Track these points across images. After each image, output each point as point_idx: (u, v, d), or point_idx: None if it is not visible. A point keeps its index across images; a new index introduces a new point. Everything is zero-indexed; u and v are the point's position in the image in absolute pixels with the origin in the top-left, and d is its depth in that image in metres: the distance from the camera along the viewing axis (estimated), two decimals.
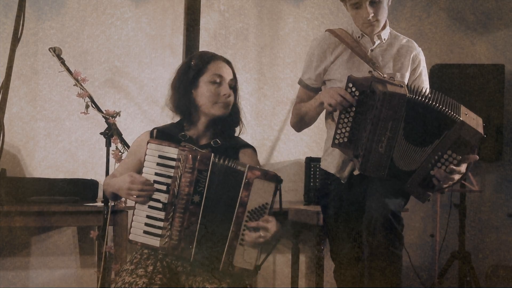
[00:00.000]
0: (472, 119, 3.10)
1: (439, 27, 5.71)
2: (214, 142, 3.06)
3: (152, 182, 2.85)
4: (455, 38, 5.72)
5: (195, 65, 3.10)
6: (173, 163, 2.82)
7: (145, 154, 2.87)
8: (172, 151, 2.84)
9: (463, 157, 3.06)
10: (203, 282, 2.80)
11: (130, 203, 3.11)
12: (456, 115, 3.04)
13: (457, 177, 3.09)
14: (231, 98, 3.08)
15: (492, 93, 5.17)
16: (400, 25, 5.49)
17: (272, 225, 2.81)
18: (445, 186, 3.13)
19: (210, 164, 2.81)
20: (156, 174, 2.84)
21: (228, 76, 3.10)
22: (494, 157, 5.18)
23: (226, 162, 2.83)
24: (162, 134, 3.07)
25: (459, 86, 5.12)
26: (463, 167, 3.09)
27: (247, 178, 2.79)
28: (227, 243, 2.81)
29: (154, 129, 3.13)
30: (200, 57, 3.15)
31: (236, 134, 3.20)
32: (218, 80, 3.06)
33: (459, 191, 5.19)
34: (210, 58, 3.13)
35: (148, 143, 2.88)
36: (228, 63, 3.15)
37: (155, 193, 2.84)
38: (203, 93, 3.06)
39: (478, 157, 3.10)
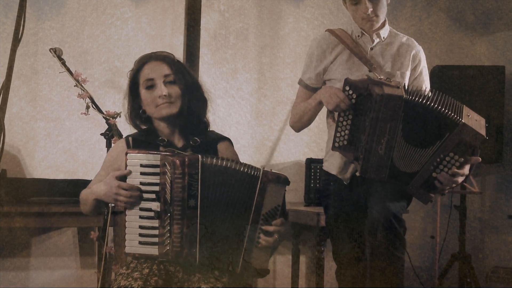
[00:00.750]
0: (475, 121, 3.09)
1: (439, 27, 5.71)
2: (193, 141, 3.01)
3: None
4: (455, 38, 5.72)
5: (132, 76, 3.03)
6: (157, 170, 2.78)
7: (126, 165, 2.80)
8: (154, 158, 2.79)
9: (465, 159, 3.07)
10: (199, 282, 2.79)
11: None
12: (457, 117, 3.04)
13: (460, 179, 3.10)
14: (172, 96, 2.96)
15: (492, 94, 5.17)
16: (400, 25, 5.49)
17: (284, 226, 2.84)
18: (447, 188, 3.14)
19: (200, 166, 2.77)
20: (142, 183, 2.80)
21: (160, 74, 2.97)
22: (494, 158, 5.18)
23: (216, 161, 2.79)
24: (138, 142, 3.02)
25: (459, 87, 5.13)
26: (466, 169, 3.11)
27: (262, 182, 2.79)
28: (244, 247, 2.81)
29: (128, 137, 3.06)
30: (135, 65, 3.06)
31: (208, 128, 3.14)
32: (149, 84, 2.97)
33: (459, 192, 5.18)
34: (141, 64, 3.03)
35: (127, 153, 2.82)
36: (162, 59, 3.03)
37: (144, 202, 2.80)
38: (145, 101, 2.99)
39: (480, 159, 3.11)
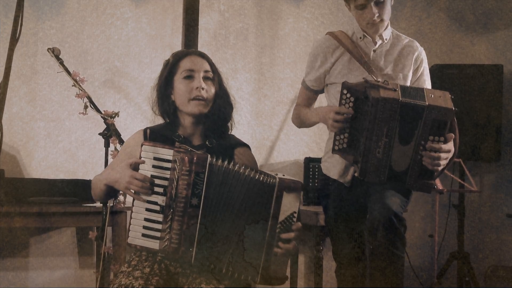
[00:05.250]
0: (439, 97, 3.12)
1: (439, 27, 5.71)
2: (209, 141, 3.01)
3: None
4: (455, 38, 5.72)
5: (169, 65, 3.05)
6: (169, 165, 2.77)
7: (140, 157, 2.81)
8: (167, 153, 2.78)
9: (445, 137, 3.10)
10: (200, 283, 2.78)
11: (129, 203, 3.08)
12: (421, 102, 3.07)
13: (444, 155, 3.12)
14: (208, 92, 2.99)
15: (491, 93, 5.17)
16: (400, 25, 5.49)
17: (301, 232, 2.82)
18: (439, 168, 3.15)
19: (207, 166, 2.76)
20: (152, 176, 2.79)
21: (200, 68, 3.00)
22: (494, 157, 5.18)
23: (225, 164, 2.78)
24: (155, 135, 3.02)
25: (458, 87, 5.13)
26: (447, 145, 3.12)
27: (278, 191, 2.76)
28: (263, 256, 2.78)
29: (147, 129, 3.06)
30: (173, 56, 3.08)
31: (228, 132, 3.14)
32: (189, 74, 2.99)
33: (458, 191, 5.19)
34: (181, 55, 3.06)
35: (142, 145, 2.82)
36: (202, 56, 3.07)
37: (152, 195, 2.79)
38: (178, 91, 3.00)
39: (453, 135, 3.13)
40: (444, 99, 3.12)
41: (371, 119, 3.09)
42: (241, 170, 2.78)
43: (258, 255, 2.79)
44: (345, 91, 3.17)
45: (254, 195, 2.77)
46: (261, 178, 2.78)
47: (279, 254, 2.79)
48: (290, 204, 2.79)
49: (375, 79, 3.22)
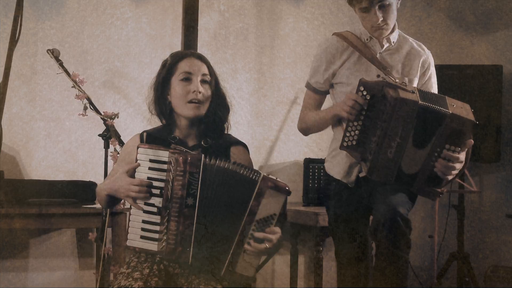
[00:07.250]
0: (460, 108, 3.11)
1: (439, 27, 5.71)
2: (204, 142, 3.01)
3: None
4: (454, 38, 5.72)
5: (167, 66, 3.05)
6: (165, 167, 2.79)
7: (136, 159, 2.82)
8: (163, 154, 2.80)
9: (461, 148, 3.10)
10: (199, 284, 2.79)
11: (128, 203, 3.08)
12: (443, 109, 3.06)
13: (458, 165, 3.11)
14: (204, 96, 3.00)
15: (491, 94, 5.17)
16: (400, 25, 5.41)
17: (277, 236, 2.79)
18: (450, 177, 3.14)
19: (201, 166, 2.77)
20: (149, 178, 2.81)
21: (198, 71, 3.01)
22: (493, 158, 5.18)
23: (218, 162, 2.78)
24: (152, 137, 3.03)
25: (458, 87, 5.13)
26: (462, 155, 3.12)
27: (260, 188, 2.75)
28: (231, 250, 2.78)
29: (143, 132, 3.08)
30: (171, 57, 3.08)
31: (225, 132, 3.14)
32: (186, 77, 2.99)
33: (458, 191, 5.19)
34: (180, 57, 3.06)
35: (138, 147, 2.84)
36: (201, 58, 3.08)
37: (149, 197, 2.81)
38: (175, 93, 3.01)
39: (473, 141, 3.13)
40: (465, 111, 3.11)
41: (387, 118, 3.07)
42: (233, 167, 2.79)
43: (227, 248, 2.79)
44: (361, 88, 3.15)
45: (241, 191, 2.78)
46: (246, 173, 2.78)
47: (248, 252, 2.79)
48: (271, 204, 2.77)
49: (394, 79, 3.20)
